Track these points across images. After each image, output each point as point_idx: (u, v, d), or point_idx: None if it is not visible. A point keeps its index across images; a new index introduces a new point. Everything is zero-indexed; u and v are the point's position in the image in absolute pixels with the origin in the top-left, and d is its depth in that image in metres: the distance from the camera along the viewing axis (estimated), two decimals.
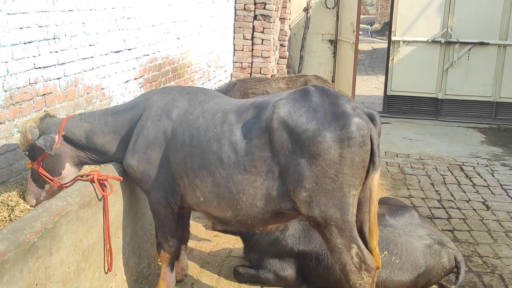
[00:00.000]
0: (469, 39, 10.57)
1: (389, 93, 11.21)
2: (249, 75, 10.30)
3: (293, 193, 3.38)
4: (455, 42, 10.64)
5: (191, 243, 5.25)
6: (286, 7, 10.95)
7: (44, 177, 4.03)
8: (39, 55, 4.64)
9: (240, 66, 10.47)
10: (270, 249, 4.43)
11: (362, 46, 24.32)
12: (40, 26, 4.62)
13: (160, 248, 4.10)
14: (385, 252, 4.20)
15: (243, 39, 10.33)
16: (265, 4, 10.06)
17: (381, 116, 12.09)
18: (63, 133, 4.06)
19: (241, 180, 3.49)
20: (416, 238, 4.37)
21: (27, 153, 4.09)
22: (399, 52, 11.02)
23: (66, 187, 3.78)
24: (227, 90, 6.22)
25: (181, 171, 3.74)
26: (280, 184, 3.42)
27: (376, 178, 3.37)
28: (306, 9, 11.17)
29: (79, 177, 3.74)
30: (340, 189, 3.30)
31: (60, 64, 4.96)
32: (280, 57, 11.14)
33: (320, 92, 3.44)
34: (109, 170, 3.92)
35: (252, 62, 10.42)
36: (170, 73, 7.56)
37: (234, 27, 10.31)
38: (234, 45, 10.38)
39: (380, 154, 3.47)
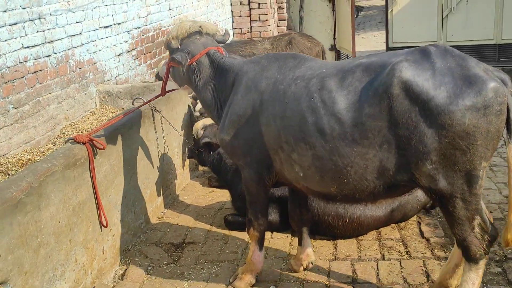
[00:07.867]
0: None
1: (390, 45, 11.29)
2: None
3: (415, 165, 3.12)
4: None
5: (188, 199, 5.62)
6: None
7: (164, 76, 4.24)
8: (26, 35, 4.97)
9: (240, 32, 10.69)
10: None
11: (376, 1, 24.07)
12: (24, 8, 4.94)
13: (250, 226, 3.96)
14: None
15: (240, 4, 10.54)
16: None
17: None
18: (194, 63, 4.02)
19: (349, 153, 3.24)
20: None
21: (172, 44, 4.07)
22: (397, 3, 11.06)
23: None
24: None
25: (276, 146, 3.56)
26: (397, 156, 3.15)
27: None
28: None
29: (70, 140, 4.05)
30: (471, 162, 3.03)
31: (48, 42, 5.29)
32: (279, 20, 11.31)
33: (442, 53, 3.12)
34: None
35: (251, 26, 10.63)
36: None
37: None
38: (232, 11, 10.59)
39: None
